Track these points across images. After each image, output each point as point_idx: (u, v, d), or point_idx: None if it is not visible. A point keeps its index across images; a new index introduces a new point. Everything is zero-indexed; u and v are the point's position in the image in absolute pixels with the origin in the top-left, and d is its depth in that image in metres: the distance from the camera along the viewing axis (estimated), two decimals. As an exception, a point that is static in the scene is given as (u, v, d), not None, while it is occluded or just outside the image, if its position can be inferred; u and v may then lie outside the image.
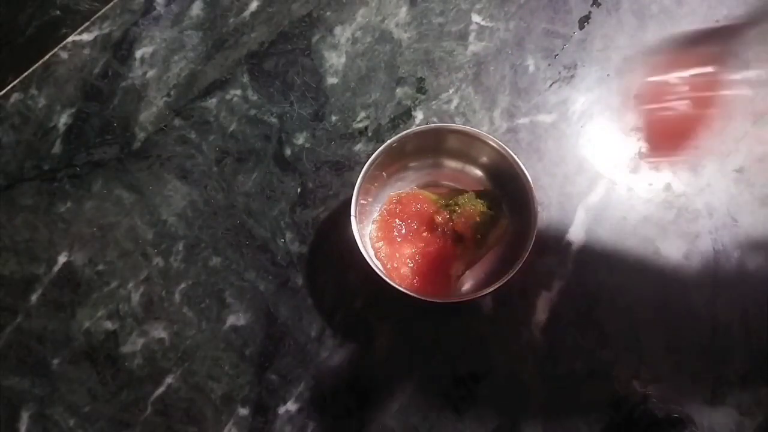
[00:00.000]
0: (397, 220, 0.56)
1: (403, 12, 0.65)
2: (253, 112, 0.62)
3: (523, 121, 0.61)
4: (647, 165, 0.59)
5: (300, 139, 0.61)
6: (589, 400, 0.54)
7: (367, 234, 0.55)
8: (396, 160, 0.56)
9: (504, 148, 0.52)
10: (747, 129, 0.60)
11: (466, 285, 0.54)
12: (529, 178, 0.51)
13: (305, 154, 0.61)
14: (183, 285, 0.58)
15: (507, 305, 0.56)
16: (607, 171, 0.59)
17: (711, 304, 0.55)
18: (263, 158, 0.61)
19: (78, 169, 0.61)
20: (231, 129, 0.62)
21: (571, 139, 0.61)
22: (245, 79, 0.63)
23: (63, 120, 0.63)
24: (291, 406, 0.54)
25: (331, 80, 0.63)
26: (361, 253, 0.50)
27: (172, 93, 0.63)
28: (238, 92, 0.63)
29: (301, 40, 0.64)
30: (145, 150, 0.62)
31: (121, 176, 0.61)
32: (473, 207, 0.55)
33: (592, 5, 0.64)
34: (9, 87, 0.64)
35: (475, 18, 0.64)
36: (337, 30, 0.65)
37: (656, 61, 0.61)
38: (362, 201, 0.54)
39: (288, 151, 0.61)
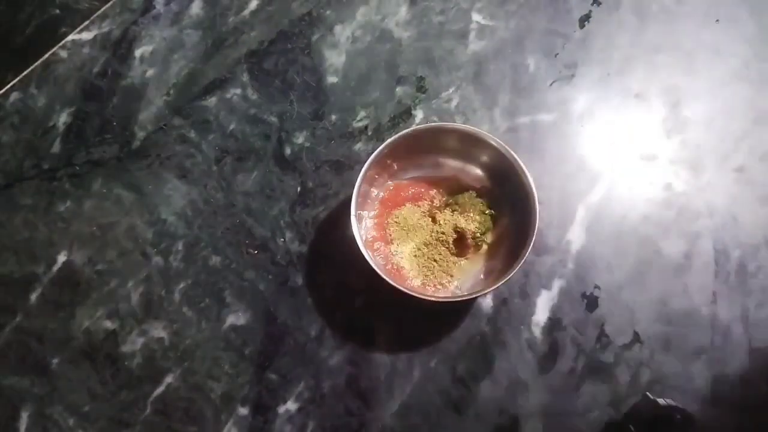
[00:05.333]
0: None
1: (403, 11, 0.65)
2: (252, 111, 0.62)
3: (523, 120, 0.61)
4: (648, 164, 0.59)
5: (300, 138, 0.61)
6: (589, 399, 0.54)
7: (367, 233, 0.55)
8: (396, 159, 0.56)
9: (504, 147, 0.52)
10: (747, 128, 0.60)
11: (466, 285, 0.54)
12: (530, 177, 0.51)
13: (305, 153, 0.61)
14: (182, 284, 0.57)
15: (507, 305, 0.56)
16: (607, 170, 0.59)
17: (711, 304, 0.55)
18: (263, 157, 0.61)
19: (77, 168, 0.61)
20: (231, 128, 0.62)
21: (571, 138, 0.60)
22: (245, 78, 0.63)
23: (62, 119, 0.63)
24: (291, 405, 0.54)
25: (331, 79, 0.63)
26: (361, 252, 0.50)
27: (171, 92, 0.63)
28: (238, 91, 0.63)
29: (301, 39, 0.64)
30: (145, 149, 0.61)
31: (120, 175, 0.61)
32: (473, 206, 0.55)
33: (592, 4, 0.64)
34: (8, 86, 0.64)
35: (476, 17, 0.64)
36: (337, 29, 0.64)
37: None
38: (362, 200, 0.54)
39: (288, 151, 0.61)
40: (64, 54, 0.65)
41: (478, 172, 0.57)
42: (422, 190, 0.57)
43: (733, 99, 0.61)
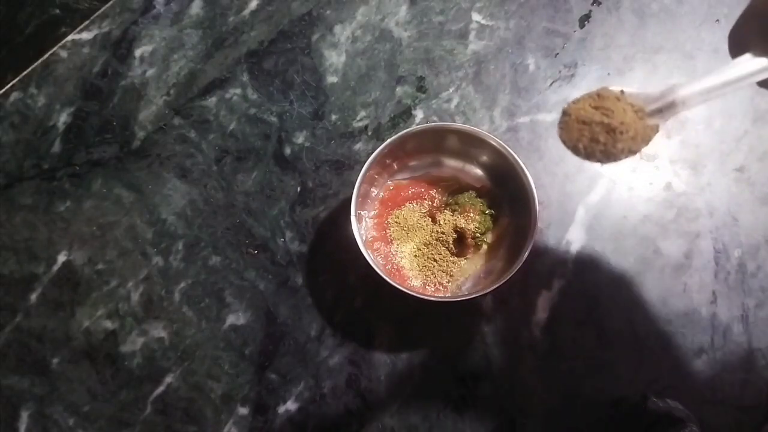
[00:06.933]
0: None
1: (403, 11, 0.65)
2: (252, 110, 0.62)
3: (523, 120, 0.61)
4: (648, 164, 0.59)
5: (300, 138, 0.61)
6: (589, 399, 0.54)
7: (367, 233, 0.55)
8: (396, 159, 0.56)
9: (504, 147, 0.52)
10: (747, 128, 0.60)
11: (466, 285, 0.54)
12: (530, 177, 0.51)
13: (305, 153, 0.61)
14: (182, 284, 0.57)
15: (507, 305, 0.56)
16: (607, 170, 0.59)
17: (711, 304, 0.55)
18: (263, 157, 0.61)
19: (77, 168, 0.61)
20: (231, 128, 0.62)
21: (571, 138, 0.60)
22: (245, 77, 0.63)
23: (62, 119, 0.63)
24: (291, 405, 0.54)
25: (331, 79, 0.63)
26: (361, 252, 0.50)
27: (171, 92, 0.63)
28: (238, 91, 0.63)
29: (301, 39, 0.64)
30: (145, 149, 0.61)
31: (120, 175, 0.61)
32: (473, 206, 0.55)
33: (592, 4, 0.64)
34: (8, 86, 0.64)
35: (476, 17, 0.64)
36: (337, 29, 0.64)
37: None
38: (362, 200, 0.54)
39: (288, 150, 0.61)
40: (64, 54, 0.65)
41: (478, 172, 0.57)
42: (422, 190, 0.57)
43: (732, 99, 0.61)
